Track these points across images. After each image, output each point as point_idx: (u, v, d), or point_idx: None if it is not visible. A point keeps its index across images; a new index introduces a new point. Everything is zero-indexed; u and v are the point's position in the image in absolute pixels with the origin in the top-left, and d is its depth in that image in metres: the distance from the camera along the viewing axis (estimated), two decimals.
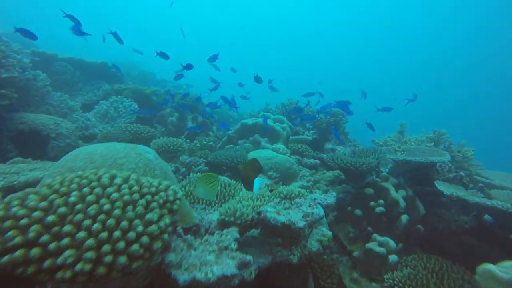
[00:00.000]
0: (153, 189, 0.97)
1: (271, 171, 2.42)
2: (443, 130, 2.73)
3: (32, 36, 2.33)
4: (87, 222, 0.76)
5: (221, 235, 1.19)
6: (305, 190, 1.62)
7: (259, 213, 1.25)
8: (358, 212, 1.98)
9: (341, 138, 3.26)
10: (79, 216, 0.77)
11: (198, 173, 2.29)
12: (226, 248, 1.13)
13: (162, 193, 0.97)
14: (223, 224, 1.28)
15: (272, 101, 4.21)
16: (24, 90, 2.84)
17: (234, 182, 2.03)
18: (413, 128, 3.44)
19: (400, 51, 26.66)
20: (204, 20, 27.80)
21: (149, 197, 0.92)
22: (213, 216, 1.47)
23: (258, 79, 3.01)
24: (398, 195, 1.90)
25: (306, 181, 2.43)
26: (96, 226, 0.76)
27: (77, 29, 2.34)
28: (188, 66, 2.92)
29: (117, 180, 0.94)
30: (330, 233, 1.55)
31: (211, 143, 3.33)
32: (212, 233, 1.26)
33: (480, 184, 2.71)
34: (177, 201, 1.01)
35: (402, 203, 1.85)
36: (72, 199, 0.81)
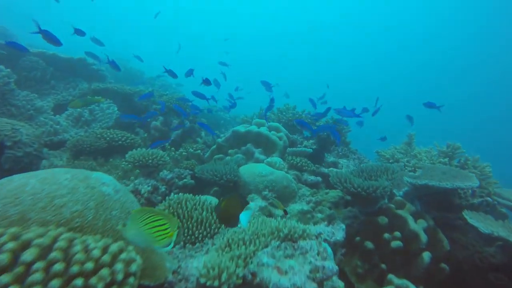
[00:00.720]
0: (89, 265, 0.62)
1: (266, 190, 2.09)
2: (457, 143, 2.44)
3: (22, 49, 2.14)
4: None
5: None
6: (309, 227, 1.30)
7: (253, 275, 0.92)
8: (369, 245, 1.67)
9: (343, 148, 2.96)
10: None
11: (180, 194, 1.94)
12: None
13: (105, 271, 0.63)
14: None
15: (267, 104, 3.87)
16: None
17: None
18: (413, 128, 3.17)
19: (400, 51, 26.50)
20: (202, 20, 27.28)
21: (78, 283, 0.58)
22: (193, 265, 1.13)
23: (272, 102, 2.79)
24: (418, 227, 1.60)
25: (306, 202, 2.11)
26: None
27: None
28: (206, 81, 2.89)
29: (28, 255, 0.58)
30: (342, 284, 1.23)
31: (199, 151, 2.98)
32: None
33: (492, 201, 2.44)
34: (130, 279, 0.66)
35: (424, 238, 1.55)
36: None
